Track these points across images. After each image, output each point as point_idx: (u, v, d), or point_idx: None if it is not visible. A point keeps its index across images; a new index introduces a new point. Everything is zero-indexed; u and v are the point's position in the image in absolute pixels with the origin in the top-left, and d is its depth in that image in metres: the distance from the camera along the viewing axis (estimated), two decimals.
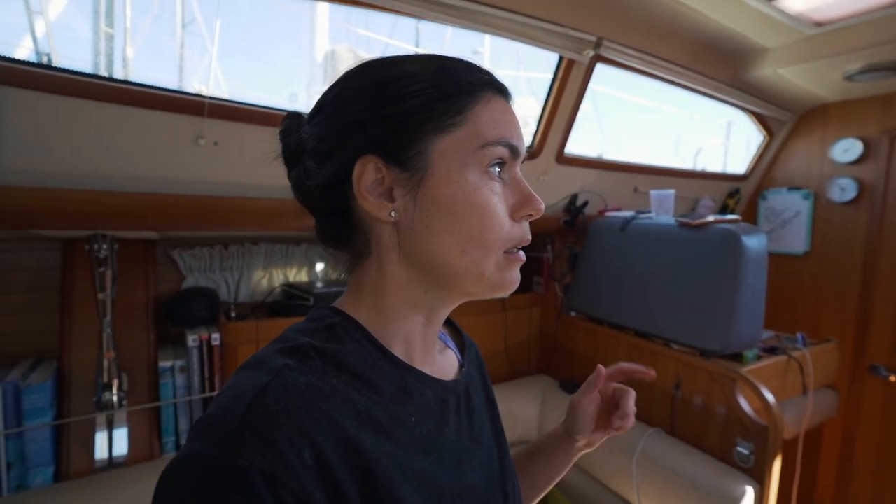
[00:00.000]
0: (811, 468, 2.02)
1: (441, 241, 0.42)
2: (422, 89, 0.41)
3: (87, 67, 1.04)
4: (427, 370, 0.47)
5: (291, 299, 1.46)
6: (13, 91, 0.87)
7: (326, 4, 1.19)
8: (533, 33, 1.34)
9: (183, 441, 1.28)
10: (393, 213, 0.42)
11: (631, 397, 0.63)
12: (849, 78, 1.71)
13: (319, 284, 1.51)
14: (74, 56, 1.05)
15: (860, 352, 1.99)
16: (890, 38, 1.40)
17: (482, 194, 0.41)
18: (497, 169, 0.43)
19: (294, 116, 0.46)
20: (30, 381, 1.09)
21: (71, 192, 0.99)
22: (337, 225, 0.46)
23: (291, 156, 0.46)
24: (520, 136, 0.45)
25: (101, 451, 1.18)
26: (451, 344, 0.58)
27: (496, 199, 0.42)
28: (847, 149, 2.02)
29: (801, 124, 2.21)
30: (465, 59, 0.45)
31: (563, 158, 1.73)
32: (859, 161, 1.99)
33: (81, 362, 1.18)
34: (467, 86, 0.42)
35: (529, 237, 0.45)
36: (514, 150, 0.44)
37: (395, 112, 0.41)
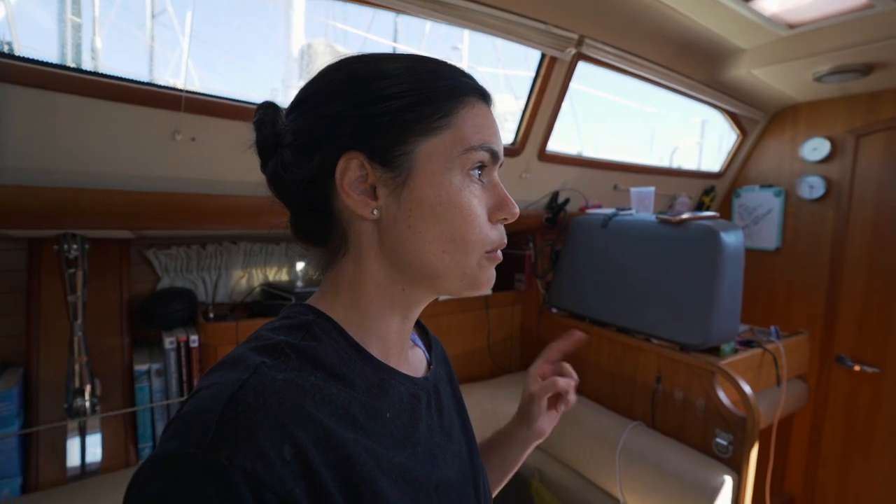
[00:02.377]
0: (783, 457, 2.09)
1: (423, 240, 0.42)
2: (409, 90, 0.42)
3: (53, 58, 0.99)
4: (401, 368, 0.48)
5: (271, 299, 1.43)
6: None
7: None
8: (515, 30, 1.34)
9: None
10: (375, 211, 0.43)
11: (568, 369, 0.69)
12: (818, 79, 1.76)
13: (300, 284, 1.48)
14: (39, 47, 0.99)
15: (828, 343, 2.07)
16: (858, 41, 1.45)
17: (464, 196, 0.43)
18: (478, 172, 0.44)
19: (269, 107, 0.46)
20: None
21: (39, 190, 0.94)
22: (314, 221, 0.46)
23: (267, 148, 0.45)
24: (500, 141, 0.46)
25: (73, 460, 1.13)
26: (419, 342, 0.59)
27: (476, 202, 0.44)
28: (815, 148, 2.09)
29: (773, 124, 2.27)
30: (448, 61, 0.46)
31: (544, 156, 1.74)
32: (827, 160, 2.07)
33: (51, 368, 1.13)
34: (454, 90, 0.43)
35: (505, 240, 0.47)
36: (494, 155, 0.45)
37: (383, 111, 0.41)
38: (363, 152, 0.42)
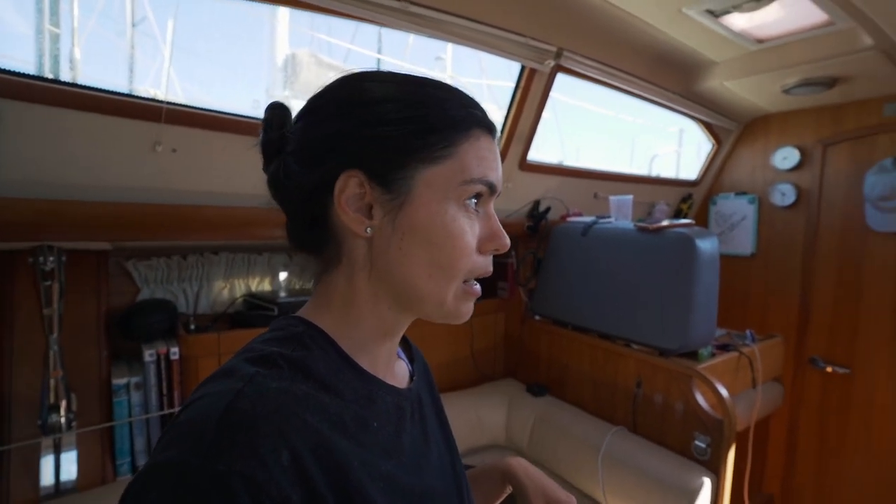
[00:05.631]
0: (761, 458, 2.14)
1: (412, 263, 0.43)
2: (417, 116, 0.43)
3: (30, 69, 0.98)
4: (387, 380, 0.48)
5: (254, 309, 1.42)
6: None
7: (287, 8, 1.17)
8: (495, 43, 1.36)
9: (140, 462, 1.21)
10: (369, 230, 0.44)
11: None
12: (786, 91, 1.84)
13: (283, 294, 1.47)
14: (15, 56, 0.98)
15: (801, 345, 2.13)
16: (820, 56, 1.52)
17: (458, 226, 0.44)
18: (474, 202, 0.45)
19: (278, 108, 0.46)
20: None
21: (13, 201, 0.93)
22: (311, 230, 0.46)
23: (271, 150, 0.46)
24: (499, 174, 0.47)
25: (46, 478, 1.10)
26: (402, 354, 0.60)
27: (469, 232, 0.45)
28: (786, 157, 2.16)
29: (746, 133, 2.35)
30: (459, 88, 0.47)
31: (525, 166, 1.77)
32: (797, 168, 2.14)
33: (24, 383, 1.10)
34: (461, 121, 0.44)
35: (491, 269, 0.48)
36: (492, 188, 0.46)
37: (388, 135, 0.42)
38: (363, 171, 0.42)
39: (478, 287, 0.48)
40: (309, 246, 0.48)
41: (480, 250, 0.46)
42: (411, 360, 0.60)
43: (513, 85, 1.63)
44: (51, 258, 1.07)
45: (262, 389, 0.36)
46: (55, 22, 1.12)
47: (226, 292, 1.48)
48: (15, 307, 1.10)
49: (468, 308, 0.48)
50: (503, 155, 1.69)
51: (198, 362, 1.25)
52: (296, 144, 0.44)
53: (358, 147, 0.42)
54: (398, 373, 0.54)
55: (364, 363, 0.46)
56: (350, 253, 0.45)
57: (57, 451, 1.11)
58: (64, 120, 0.92)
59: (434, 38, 1.27)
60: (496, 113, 1.73)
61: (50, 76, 0.97)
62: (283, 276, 1.57)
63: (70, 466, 1.13)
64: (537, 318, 1.91)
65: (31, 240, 1.04)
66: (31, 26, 1.11)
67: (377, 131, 0.42)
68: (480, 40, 1.33)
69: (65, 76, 1.12)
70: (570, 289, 1.74)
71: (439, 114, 0.43)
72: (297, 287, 1.57)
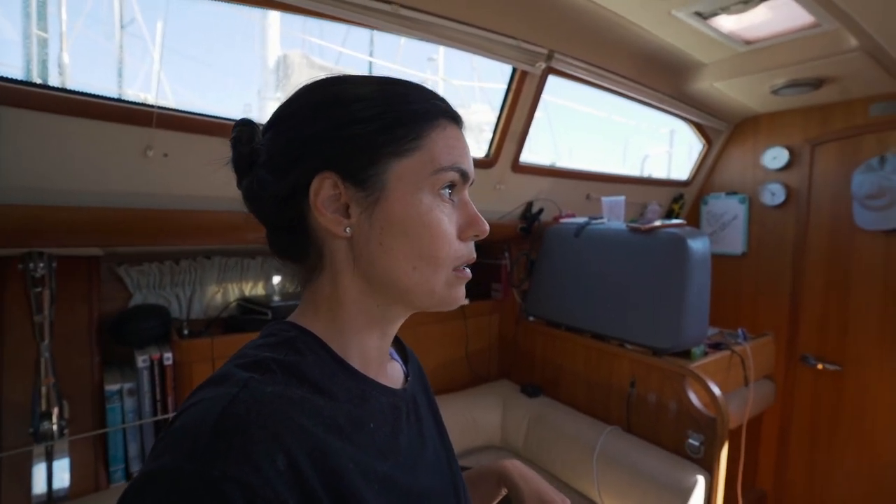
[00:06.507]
0: (754, 455, 2.16)
1: (394, 258, 0.44)
2: (382, 113, 0.43)
3: (18, 74, 0.97)
4: (380, 380, 0.49)
5: (248, 314, 1.42)
6: None
7: (278, 12, 1.17)
8: (487, 45, 1.37)
9: (134, 468, 1.21)
10: (348, 229, 0.44)
11: None
12: (775, 91, 1.86)
13: (277, 298, 1.47)
14: (3, 61, 0.97)
15: (793, 343, 2.15)
16: (807, 57, 1.54)
17: (434, 216, 0.44)
18: (448, 191, 0.46)
19: (246, 124, 0.47)
20: None
21: (3, 208, 0.92)
22: (290, 237, 0.47)
23: (243, 165, 0.46)
24: (470, 162, 0.48)
25: (38, 486, 1.09)
26: (396, 355, 0.60)
27: (446, 221, 0.45)
28: (775, 156, 2.19)
29: (736, 133, 2.37)
30: (420, 83, 0.48)
31: (518, 167, 1.78)
32: (786, 168, 2.17)
33: (15, 391, 1.09)
34: (425, 113, 0.45)
35: (475, 255, 0.48)
36: (464, 175, 0.47)
37: (356, 133, 0.43)
38: (336, 172, 0.43)
39: (467, 271, 0.48)
40: (291, 253, 0.48)
41: (461, 238, 0.46)
42: (405, 362, 0.60)
43: (505, 87, 1.64)
44: (41, 264, 1.06)
45: (257, 394, 0.36)
46: (43, 26, 1.11)
47: (219, 297, 1.48)
48: (5, 314, 1.09)
49: (459, 292, 0.48)
50: (495, 158, 1.70)
51: (192, 367, 1.24)
52: (266, 155, 0.45)
53: (327, 149, 0.43)
54: (392, 374, 0.54)
55: (356, 363, 0.46)
56: (332, 255, 0.46)
57: (49, 459, 1.10)
58: (54, 125, 0.92)
59: (425, 41, 1.27)
60: (489, 114, 1.73)
61: (38, 81, 0.96)
62: (276, 279, 1.57)
63: (63, 474, 1.12)
64: (531, 319, 1.91)
65: (21, 246, 1.03)
66: (18, 31, 1.10)
67: (344, 132, 0.43)
68: (471, 43, 1.34)
69: (53, 81, 1.11)
70: (563, 290, 1.75)
71: (404, 108, 0.44)
72: (291, 290, 1.57)
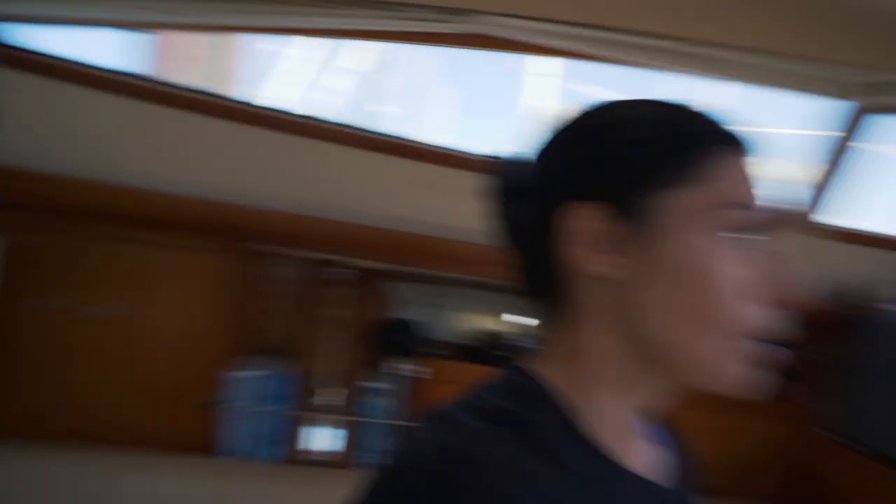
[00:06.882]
0: None
1: (653, 309, 0.37)
2: (653, 137, 0.37)
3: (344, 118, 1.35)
4: (631, 464, 0.39)
5: (492, 349, 1.49)
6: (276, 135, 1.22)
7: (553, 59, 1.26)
8: (799, 77, 1.09)
9: (370, 460, 1.38)
10: (604, 270, 0.37)
11: None
12: None
13: (521, 338, 1.51)
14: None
15: None
16: None
17: (711, 263, 0.36)
18: (736, 235, 0.36)
19: (504, 155, 0.46)
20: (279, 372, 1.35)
21: (335, 223, 1.27)
22: (538, 272, 0.43)
23: (500, 195, 0.45)
24: (763, 199, 0.38)
25: (304, 444, 1.37)
26: (662, 438, 0.48)
27: (728, 271, 0.36)
28: None
29: None
30: (699, 106, 0.40)
31: (839, 234, 1.37)
32: None
33: (304, 366, 1.38)
34: (705, 138, 0.38)
35: (772, 326, 0.36)
36: (753, 216, 0.37)
37: (622, 160, 0.38)
38: (597, 203, 0.37)
39: (764, 347, 0.36)
40: (537, 290, 0.44)
41: (747, 298, 0.36)
42: (678, 453, 0.49)
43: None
44: (345, 271, 1.36)
45: (483, 456, 0.32)
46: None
47: (469, 325, 1.59)
48: (310, 304, 1.40)
49: (741, 372, 0.36)
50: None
51: (438, 387, 1.36)
52: (521, 185, 0.42)
53: (589, 177, 0.38)
54: (642, 455, 0.44)
55: (600, 435, 0.38)
56: (583, 298, 0.40)
57: (316, 426, 1.38)
58: (361, 160, 1.26)
59: (722, 80, 1.11)
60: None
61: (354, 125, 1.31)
62: (525, 320, 1.59)
63: (323, 441, 1.38)
64: (832, 436, 1.41)
65: (333, 254, 1.34)
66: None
67: (609, 159, 0.38)
68: (781, 79, 1.10)
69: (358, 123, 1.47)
70: (887, 404, 1.25)
71: (680, 131, 0.38)
72: (538, 334, 1.56)
